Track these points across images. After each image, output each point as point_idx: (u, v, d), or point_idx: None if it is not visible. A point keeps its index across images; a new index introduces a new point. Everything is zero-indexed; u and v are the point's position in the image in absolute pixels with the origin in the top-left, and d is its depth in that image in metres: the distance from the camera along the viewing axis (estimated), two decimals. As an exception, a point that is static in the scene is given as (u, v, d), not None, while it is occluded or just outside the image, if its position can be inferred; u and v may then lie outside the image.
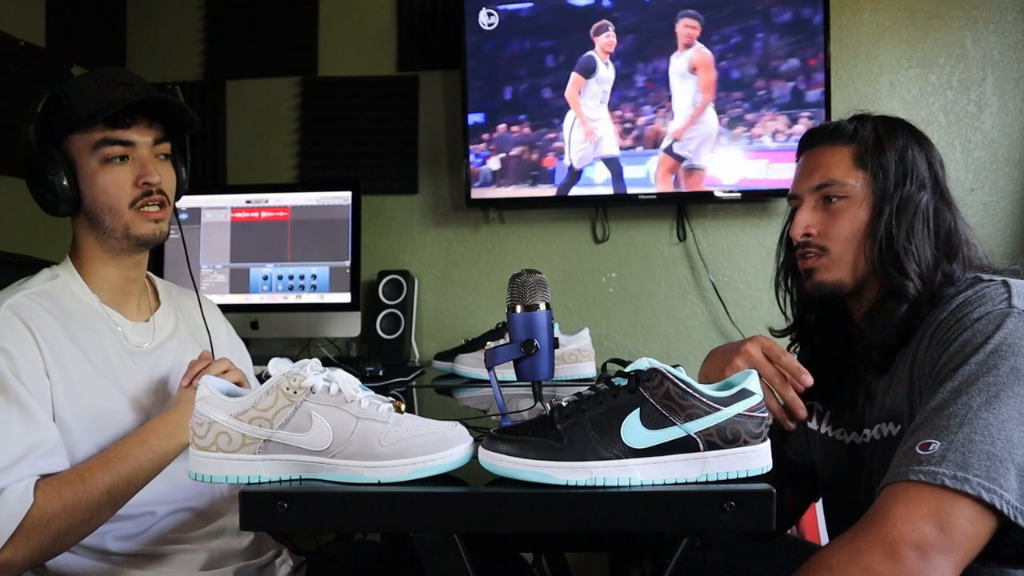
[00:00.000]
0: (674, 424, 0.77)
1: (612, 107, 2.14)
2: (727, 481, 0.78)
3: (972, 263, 1.10)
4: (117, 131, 1.13)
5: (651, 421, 0.77)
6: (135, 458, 1.05)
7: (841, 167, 1.13)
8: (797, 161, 1.22)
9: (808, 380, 1.04)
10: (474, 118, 2.19)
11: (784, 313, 1.29)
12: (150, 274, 1.31)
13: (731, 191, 2.11)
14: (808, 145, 1.19)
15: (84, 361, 1.11)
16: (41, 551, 0.99)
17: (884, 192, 1.10)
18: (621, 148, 2.14)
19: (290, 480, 0.81)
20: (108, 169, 1.14)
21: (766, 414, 0.80)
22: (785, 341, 1.30)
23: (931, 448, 0.89)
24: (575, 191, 2.16)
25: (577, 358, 1.72)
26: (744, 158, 2.10)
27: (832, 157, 1.14)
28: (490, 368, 0.98)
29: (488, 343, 1.65)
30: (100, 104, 1.12)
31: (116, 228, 1.15)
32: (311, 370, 0.83)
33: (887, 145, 1.12)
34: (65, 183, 1.12)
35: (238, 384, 1.14)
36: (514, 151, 2.19)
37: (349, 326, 2.11)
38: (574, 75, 2.14)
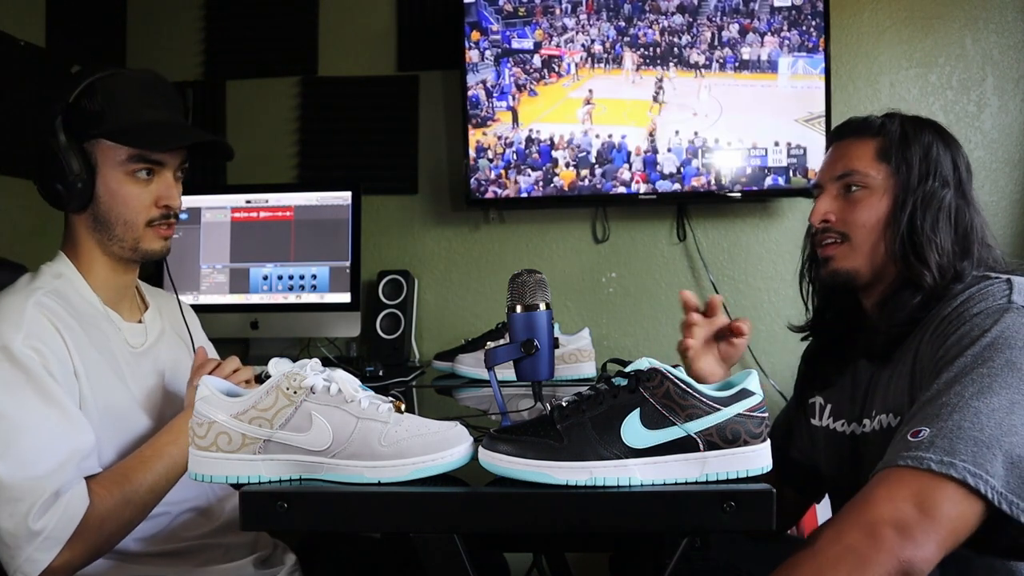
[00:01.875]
0: (674, 424, 0.77)
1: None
2: (727, 481, 0.78)
3: (984, 263, 1.11)
4: (154, 152, 1.14)
5: (651, 421, 0.77)
6: (170, 456, 1.07)
7: (864, 159, 1.15)
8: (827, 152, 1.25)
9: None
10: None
11: (807, 304, 1.30)
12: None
13: (731, 191, 2.11)
14: (837, 137, 1.22)
15: (100, 361, 1.11)
16: (96, 551, 1.01)
17: (908, 186, 1.12)
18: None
19: (290, 480, 0.81)
20: (133, 183, 1.14)
21: (766, 414, 0.80)
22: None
23: (921, 435, 0.90)
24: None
25: (577, 358, 1.72)
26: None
27: (857, 149, 1.17)
28: (490, 368, 0.98)
29: (488, 343, 1.65)
30: (141, 122, 1.11)
31: (126, 239, 1.15)
32: (311, 370, 0.83)
33: (912, 141, 1.14)
34: (84, 183, 1.11)
35: (247, 383, 1.14)
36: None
37: (349, 326, 2.11)
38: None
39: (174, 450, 1.08)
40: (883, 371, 1.13)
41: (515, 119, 2.19)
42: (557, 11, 2.17)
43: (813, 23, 2.07)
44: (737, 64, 2.11)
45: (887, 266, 1.13)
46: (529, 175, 2.19)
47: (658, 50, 2.13)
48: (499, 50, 2.20)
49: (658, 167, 2.14)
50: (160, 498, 1.08)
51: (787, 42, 2.09)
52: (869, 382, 1.16)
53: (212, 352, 1.43)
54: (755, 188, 2.11)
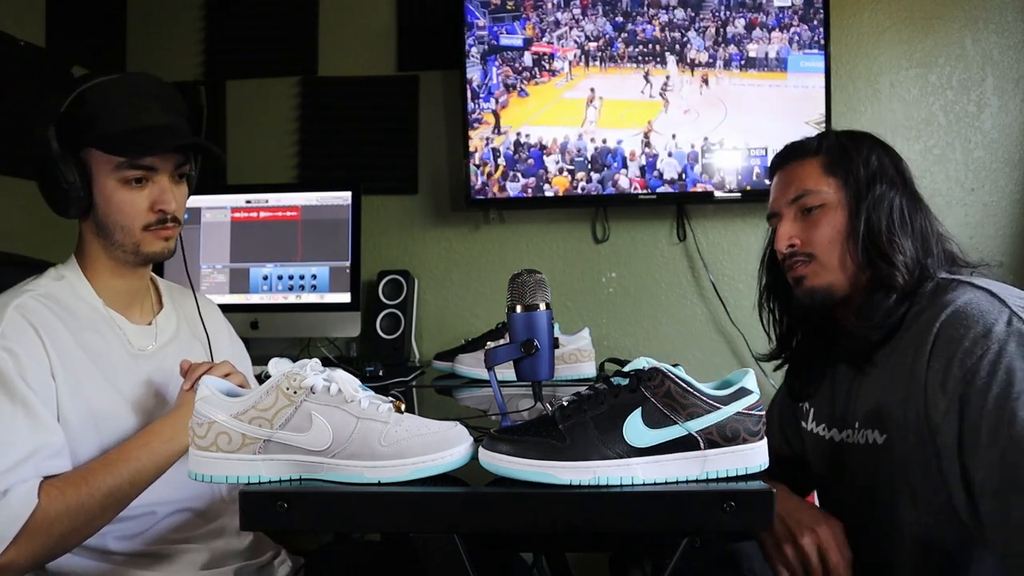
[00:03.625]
0: (675, 423, 0.77)
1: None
2: (727, 479, 0.78)
3: (947, 258, 1.13)
4: (138, 159, 1.12)
5: (653, 420, 0.77)
6: (137, 460, 1.05)
7: (812, 177, 1.17)
8: (770, 183, 1.26)
9: None
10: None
11: (768, 335, 1.31)
12: (153, 275, 1.31)
13: (731, 191, 2.11)
14: (778, 165, 1.24)
15: (88, 363, 1.11)
16: (44, 552, 0.99)
17: (857, 193, 1.14)
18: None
19: (290, 480, 0.81)
20: (126, 190, 1.13)
21: (763, 412, 0.81)
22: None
23: None
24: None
25: (577, 358, 1.72)
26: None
27: (802, 170, 1.19)
28: (490, 368, 0.98)
29: (488, 343, 1.65)
30: (128, 128, 1.11)
31: (126, 244, 1.16)
32: (311, 370, 0.83)
33: (852, 151, 1.17)
34: (79, 191, 1.11)
35: (239, 387, 1.14)
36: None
37: (349, 326, 2.11)
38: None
39: (142, 454, 1.05)
40: (864, 378, 1.13)
41: (497, 124, 2.10)
42: (549, 5, 2.09)
43: (821, 16, 2.02)
44: (743, 62, 2.05)
45: (859, 275, 1.13)
46: (519, 181, 2.12)
47: (659, 47, 2.07)
48: (486, 47, 2.12)
49: (657, 172, 2.09)
50: (123, 502, 1.05)
51: (797, 38, 2.02)
52: (849, 389, 1.17)
53: (244, 355, 1.43)
54: (755, 188, 2.10)
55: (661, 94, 2.09)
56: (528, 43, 2.11)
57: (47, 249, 1.42)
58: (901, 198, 1.13)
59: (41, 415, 1.02)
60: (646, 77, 2.09)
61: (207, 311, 1.35)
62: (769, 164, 1.28)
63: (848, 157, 1.16)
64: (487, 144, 2.14)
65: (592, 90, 2.11)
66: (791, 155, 1.22)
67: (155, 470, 1.07)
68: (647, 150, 2.10)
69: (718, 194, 2.11)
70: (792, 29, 2.03)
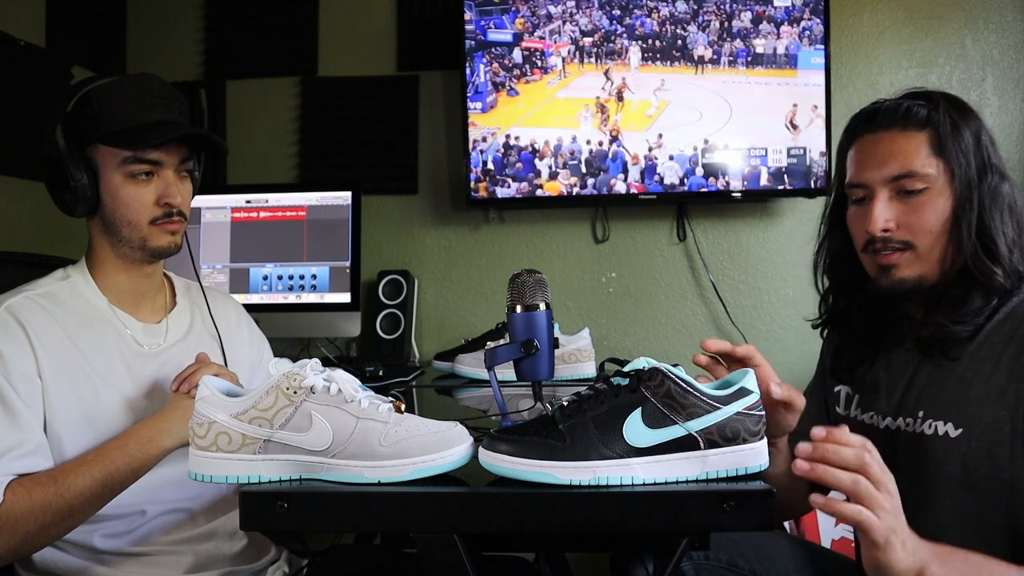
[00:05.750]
0: (675, 423, 0.77)
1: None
2: (727, 479, 0.78)
3: None
4: (144, 151, 1.13)
5: (653, 420, 0.77)
6: (112, 461, 1.03)
7: (919, 156, 1.05)
8: (851, 143, 1.13)
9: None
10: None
11: (822, 295, 1.24)
12: (169, 273, 1.31)
13: (731, 191, 2.11)
14: (871, 128, 1.09)
15: (83, 362, 1.11)
16: (10, 549, 0.99)
17: (969, 181, 1.04)
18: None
19: (290, 480, 0.81)
20: (132, 185, 1.14)
21: (763, 412, 0.81)
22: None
23: None
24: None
25: (577, 358, 1.72)
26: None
27: (908, 144, 1.05)
28: (490, 368, 0.98)
29: (488, 343, 1.65)
30: (134, 124, 1.12)
31: (133, 239, 1.16)
32: (311, 370, 0.83)
33: (964, 130, 1.05)
34: (87, 189, 1.12)
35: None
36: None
37: (349, 326, 2.11)
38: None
39: (117, 455, 1.04)
40: (936, 370, 1.07)
41: (463, 129, 2.01)
42: (540, -3, 1.98)
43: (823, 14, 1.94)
44: (750, 59, 1.95)
45: (953, 266, 1.05)
46: (509, 186, 2.05)
47: (659, 43, 1.99)
48: (473, 43, 2.02)
49: (658, 176, 2.05)
50: (96, 503, 1.03)
51: (808, 33, 1.92)
52: (912, 376, 1.10)
53: (264, 352, 1.41)
54: (757, 188, 2.08)
55: (657, 95, 2.05)
56: (518, 38, 2.00)
57: (47, 249, 1.42)
58: (1009, 189, 1.04)
59: (19, 413, 1.02)
60: (607, 74, 2.01)
61: (222, 308, 1.34)
62: (849, 123, 1.13)
63: (959, 136, 1.03)
64: (473, 147, 2.10)
65: (607, 85, 2.03)
66: (892, 120, 1.07)
67: (129, 472, 1.04)
68: (647, 153, 2.06)
69: (719, 192, 2.09)
70: (802, 23, 1.92)
